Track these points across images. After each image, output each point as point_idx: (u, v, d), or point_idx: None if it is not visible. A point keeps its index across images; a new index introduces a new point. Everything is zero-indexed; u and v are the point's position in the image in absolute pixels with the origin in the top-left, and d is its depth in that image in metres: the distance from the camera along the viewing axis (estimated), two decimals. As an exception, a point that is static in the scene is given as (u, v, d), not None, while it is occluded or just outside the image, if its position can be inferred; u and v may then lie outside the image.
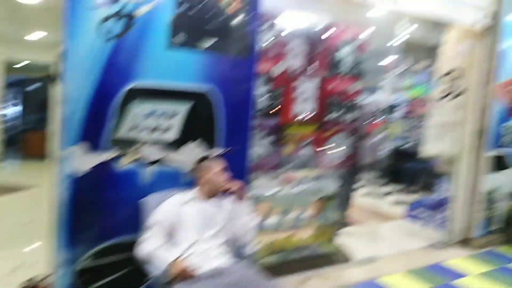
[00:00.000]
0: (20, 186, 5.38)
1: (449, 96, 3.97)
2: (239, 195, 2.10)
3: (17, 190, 5.24)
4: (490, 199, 4.11)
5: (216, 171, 2.09)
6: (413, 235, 4.40)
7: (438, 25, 3.90)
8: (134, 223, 2.11)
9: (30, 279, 2.58)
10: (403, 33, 3.81)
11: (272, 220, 3.27)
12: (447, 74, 3.96)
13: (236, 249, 2.16)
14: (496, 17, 3.80)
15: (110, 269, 2.13)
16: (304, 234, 3.40)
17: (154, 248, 1.87)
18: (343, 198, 4.62)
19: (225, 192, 2.11)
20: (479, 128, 3.94)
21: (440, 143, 4.10)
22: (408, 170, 6.51)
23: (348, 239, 3.75)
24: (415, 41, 4.36)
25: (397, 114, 7.72)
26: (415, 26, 3.97)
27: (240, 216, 2.09)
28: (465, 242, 4.09)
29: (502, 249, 4.11)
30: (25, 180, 5.85)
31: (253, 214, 2.16)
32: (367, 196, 6.27)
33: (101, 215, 2.09)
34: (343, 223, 4.46)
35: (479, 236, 4.05)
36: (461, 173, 4.09)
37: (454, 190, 4.13)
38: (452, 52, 3.94)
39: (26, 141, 8.30)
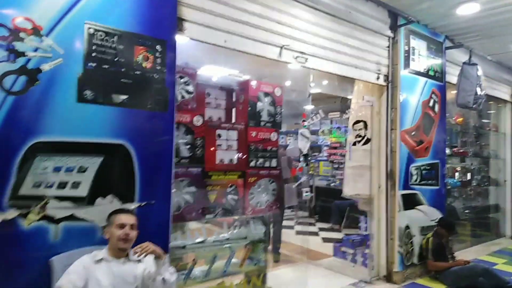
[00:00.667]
0: None
1: (361, 142, 4.37)
2: (153, 252, 2.07)
3: None
4: (407, 234, 4.44)
5: (123, 226, 2.04)
6: (340, 272, 4.55)
7: (349, 79, 4.37)
8: (45, 284, 1.99)
9: None
10: (317, 86, 4.21)
11: (200, 269, 3.22)
12: (357, 122, 4.39)
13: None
14: (394, 72, 4.37)
15: None
16: (234, 280, 3.38)
17: None
18: (274, 239, 4.73)
19: (136, 250, 2.06)
20: (389, 170, 4.34)
21: (357, 184, 4.43)
22: (335, 208, 6.85)
23: (279, 280, 3.78)
24: (332, 91, 4.81)
25: (320, 156, 8.35)
26: (327, 81, 4.42)
27: (156, 273, 2.04)
28: (388, 277, 4.32)
29: (421, 281, 4.40)
30: None
31: (171, 270, 2.12)
32: (298, 234, 6.45)
33: (6, 278, 1.93)
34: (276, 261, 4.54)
35: (401, 270, 4.31)
36: (378, 212, 4.41)
37: (374, 228, 4.41)
38: (359, 103, 4.41)
39: None
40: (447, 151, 5.33)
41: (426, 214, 4.66)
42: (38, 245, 2.03)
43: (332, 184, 7.76)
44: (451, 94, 5.18)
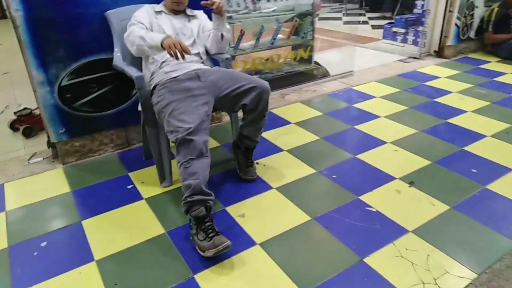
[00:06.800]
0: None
1: None
2: (219, 8, 1.97)
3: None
4: (469, 6, 4.06)
5: None
6: (389, 52, 4.50)
7: None
8: (104, 41, 2.13)
9: (23, 109, 2.75)
10: None
11: (248, 43, 3.29)
12: None
13: (212, 59, 2.24)
14: None
15: (92, 87, 2.24)
16: (281, 54, 3.46)
17: (144, 32, 1.84)
18: None
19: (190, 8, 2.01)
20: None
21: None
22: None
23: (325, 60, 3.85)
24: None
25: None
26: None
27: (215, 29, 2.03)
28: (439, 52, 4.22)
29: (474, 55, 4.27)
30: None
31: (228, 27, 2.11)
32: (345, 24, 6.22)
33: (67, 32, 2.06)
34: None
35: (454, 44, 4.15)
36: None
37: (432, 3, 4.04)
38: None
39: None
40: None
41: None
42: (90, 1, 2.07)
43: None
44: None
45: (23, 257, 1.57)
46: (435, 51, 4.22)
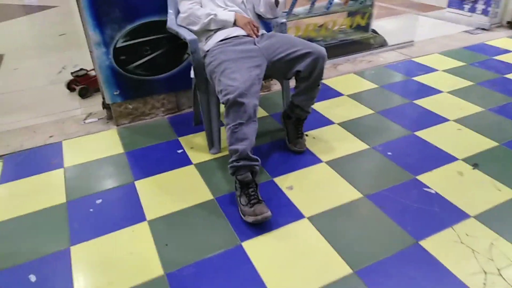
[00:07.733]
0: (46, 5, 5.45)
1: None
2: None
3: (44, 8, 5.33)
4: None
5: None
6: (454, 21, 4.13)
7: None
8: (158, 3, 2.10)
9: (79, 70, 2.83)
10: None
11: (302, 8, 3.13)
12: None
13: (264, 23, 2.14)
14: None
15: (145, 50, 2.23)
16: (336, 21, 3.27)
17: (209, 11, 1.84)
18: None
19: None
20: None
21: None
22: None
23: (384, 29, 3.60)
24: None
25: None
26: None
27: None
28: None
29: (555, 28, 3.82)
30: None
31: None
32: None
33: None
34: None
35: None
36: None
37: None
38: None
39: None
40: None
41: None
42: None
43: None
44: None
45: (80, 213, 1.64)
46: (508, 22, 3.81)
